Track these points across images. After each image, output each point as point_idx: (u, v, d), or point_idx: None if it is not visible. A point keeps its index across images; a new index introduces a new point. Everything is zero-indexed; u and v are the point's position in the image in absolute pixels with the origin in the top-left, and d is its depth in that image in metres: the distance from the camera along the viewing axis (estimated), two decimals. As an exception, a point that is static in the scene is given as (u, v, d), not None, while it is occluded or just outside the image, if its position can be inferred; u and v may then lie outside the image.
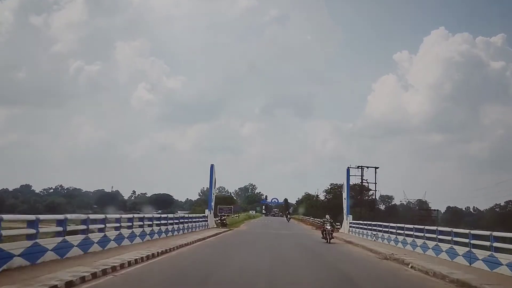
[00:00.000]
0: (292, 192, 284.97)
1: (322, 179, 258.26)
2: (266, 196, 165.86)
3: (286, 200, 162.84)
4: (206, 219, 40.38)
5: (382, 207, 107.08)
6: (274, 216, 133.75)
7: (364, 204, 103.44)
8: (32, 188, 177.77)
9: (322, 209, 69.11)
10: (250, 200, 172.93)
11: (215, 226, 42.81)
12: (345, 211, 44.24)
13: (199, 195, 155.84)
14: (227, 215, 52.62)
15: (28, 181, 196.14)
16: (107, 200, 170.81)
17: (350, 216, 43.32)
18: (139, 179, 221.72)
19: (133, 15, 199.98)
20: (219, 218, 46.94)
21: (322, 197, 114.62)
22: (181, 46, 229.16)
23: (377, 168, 59.47)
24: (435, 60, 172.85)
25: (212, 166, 41.70)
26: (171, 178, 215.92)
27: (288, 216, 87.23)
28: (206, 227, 38.97)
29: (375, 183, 60.58)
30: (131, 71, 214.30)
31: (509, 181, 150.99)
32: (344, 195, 46.17)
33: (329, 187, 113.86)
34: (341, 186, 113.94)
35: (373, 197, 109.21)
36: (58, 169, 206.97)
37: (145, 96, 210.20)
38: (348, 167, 58.18)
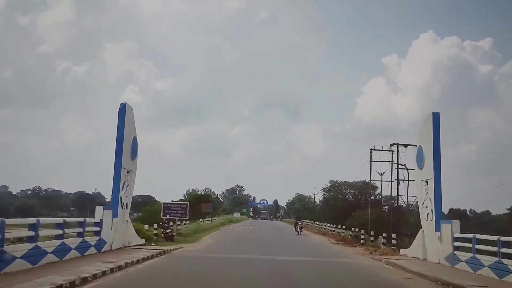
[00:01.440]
0: (282, 195, 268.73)
1: (312, 181, 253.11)
2: (254, 198, 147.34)
3: (276, 201, 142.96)
4: (98, 228, 17.24)
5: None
6: (264, 219, 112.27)
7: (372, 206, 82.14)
8: (9, 190, 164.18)
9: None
10: (236, 202, 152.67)
11: (143, 243, 20.39)
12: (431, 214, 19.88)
13: (184, 196, 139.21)
14: (184, 221, 30.40)
15: (6, 182, 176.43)
16: (85, 202, 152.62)
17: (456, 223, 18.00)
18: None
19: (121, 16, 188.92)
20: (162, 225, 24.70)
21: (320, 197, 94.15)
22: (170, 48, 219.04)
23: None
24: (424, 63, 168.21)
25: (123, 106, 18.66)
26: (158, 180, 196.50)
27: (299, 225, 42.32)
28: (100, 247, 16.61)
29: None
30: (119, 72, 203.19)
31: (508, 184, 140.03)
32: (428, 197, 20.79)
33: (328, 185, 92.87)
34: (341, 184, 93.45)
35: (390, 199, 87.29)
36: (41, 171, 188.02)
37: (133, 98, 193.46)
38: (371, 149, 42.08)
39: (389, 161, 41.41)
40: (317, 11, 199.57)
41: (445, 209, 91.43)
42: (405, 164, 36.97)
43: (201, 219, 44.22)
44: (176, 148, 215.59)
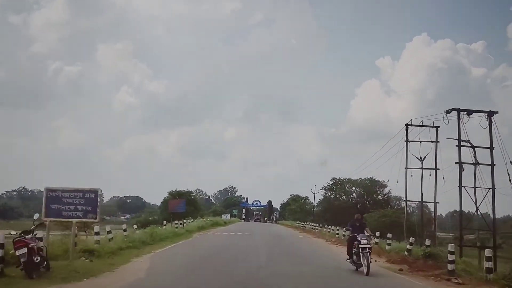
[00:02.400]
0: (275, 197, 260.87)
1: (306, 183, 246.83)
2: (247, 199, 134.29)
3: (270, 202, 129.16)
4: None
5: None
6: (257, 221, 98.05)
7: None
8: None
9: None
10: (228, 204, 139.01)
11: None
12: None
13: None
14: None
15: None
16: None
17: None
18: (118, 182, 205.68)
19: (115, 17, 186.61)
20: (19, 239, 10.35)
21: (320, 196, 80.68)
22: (164, 49, 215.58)
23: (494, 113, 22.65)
24: (417, 66, 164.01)
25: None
26: (150, 182, 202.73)
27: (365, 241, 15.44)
28: None
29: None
30: (113, 73, 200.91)
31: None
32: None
33: (330, 183, 79.34)
34: (345, 182, 79.69)
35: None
36: (31, 172, 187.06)
37: (127, 99, 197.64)
38: (407, 124, 28.86)
39: (430, 141, 28.08)
40: (312, 14, 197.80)
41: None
42: (468, 140, 23.57)
43: (176, 222, 31.01)
44: (170, 150, 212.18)
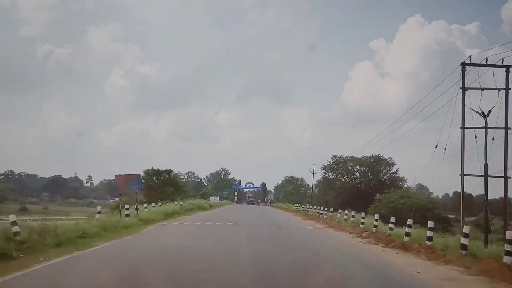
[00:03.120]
0: (269, 179, 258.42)
1: (300, 166, 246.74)
2: (239, 181, 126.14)
3: (263, 184, 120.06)
4: None
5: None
6: (251, 204, 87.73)
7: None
8: None
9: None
10: (220, 186, 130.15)
11: None
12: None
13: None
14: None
15: None
16: (57, 187, 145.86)
17: None
18: (109, 166, 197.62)
19: None
20: None
21: (319, 176, 71.19)
22: (156, 32, 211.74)
23: None
24: (411, 48, 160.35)
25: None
26: (142, 165, 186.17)
27: None
28: None
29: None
30: (104, 56, 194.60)
31: None
32: None
33: (331, 162, 69.72)
34: (347, 160, 69.67)
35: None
36: (21, 157, 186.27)
37: (118, 82, 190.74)
38: (464, 63, 18.41)
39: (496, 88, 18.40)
40: None
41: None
42: None
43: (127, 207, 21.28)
44: (162, 133, 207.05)
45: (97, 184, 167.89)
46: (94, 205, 64.69)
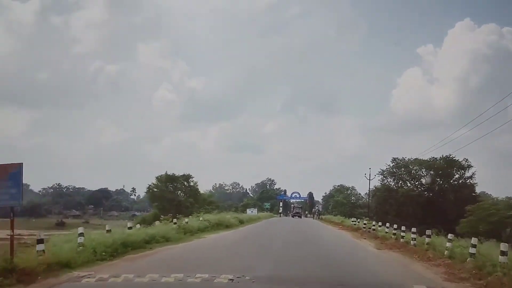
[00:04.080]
0: (316, 190, 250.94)
1: (348, 175, 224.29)
2: (284, 191, 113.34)
3: (311, 194, 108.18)
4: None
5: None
6: (297, 216, 75.22)
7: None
8: (30, 188, 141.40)
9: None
10: (264, 196, 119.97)
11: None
12: None
13: (211, 191, 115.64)
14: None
15: (25, 180, 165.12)
16: (100, 199, 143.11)
17: None
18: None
19: (154, 15, 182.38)
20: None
21: (376, 183, 58.97)
22: (202, 46, 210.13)
23: None
24: (461, 52, 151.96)
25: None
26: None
27: None
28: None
29: None
30: (152, 71, 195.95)
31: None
32: None
33: (390, 165, 57.60)
34: (410, 163, 55.58)
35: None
36: (72, 170, 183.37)
37: (167, 96, 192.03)
38: None
39: None
40: (350, 3, 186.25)
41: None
42: None
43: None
44: (209, 145, 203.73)
45: (143, 196, 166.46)
46: (136, 218, 63.16)
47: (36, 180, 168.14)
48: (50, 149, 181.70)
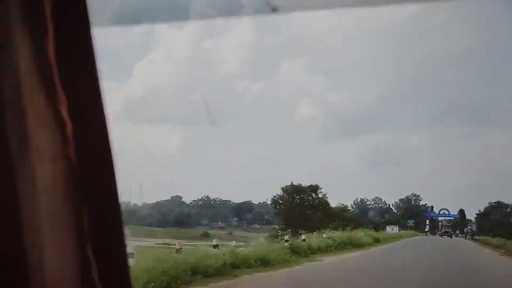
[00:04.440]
0: (468, 206, 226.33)
1: (504, 192, 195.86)
2: (431, 207, 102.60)
3: (462, 211, 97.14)
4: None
5: None
6: (446, 235, 66.98)
7: None
8: (182, 200, 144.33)
9: None
10: (408, 213, 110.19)
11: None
12: None
13: (352, 207, 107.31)
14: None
15: (179, 193, 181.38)
16: (242, 212, 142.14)
17: None
18: None
19: (294, 34, 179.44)
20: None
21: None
22: (342, 60, 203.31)
23: None
24: None
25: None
26: (330, 192, 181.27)
27: None
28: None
29: None
30: (293, 88, 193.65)
31: None
32: None
33: None
34: None
35: None
36: (217, 183, 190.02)
37: (308, 111, 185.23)
38: None
39: None
40: (503, 4, 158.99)
41: None
42: None
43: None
44: (350, 159, 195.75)
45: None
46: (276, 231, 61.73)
47: (188, 192, 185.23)
48: (199, 164, 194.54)
